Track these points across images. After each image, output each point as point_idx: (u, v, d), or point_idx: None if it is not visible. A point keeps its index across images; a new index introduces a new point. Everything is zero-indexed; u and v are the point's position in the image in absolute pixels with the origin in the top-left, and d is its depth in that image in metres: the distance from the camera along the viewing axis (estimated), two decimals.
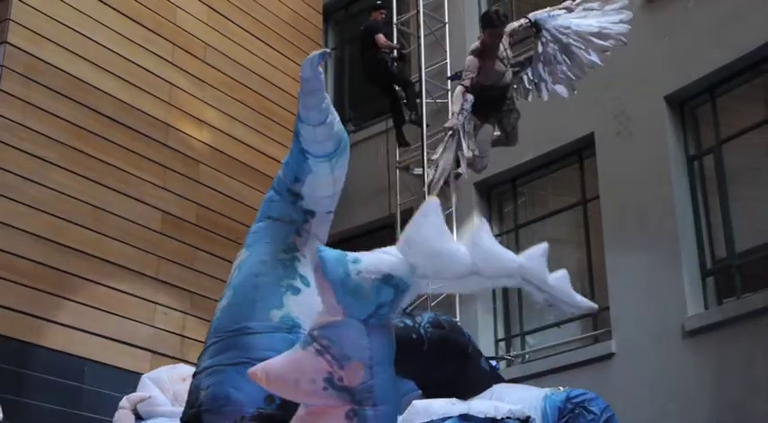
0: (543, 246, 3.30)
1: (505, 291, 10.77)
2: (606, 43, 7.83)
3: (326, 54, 3.77)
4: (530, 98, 8.06)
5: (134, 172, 8.99)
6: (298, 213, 3.84)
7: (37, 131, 8.32)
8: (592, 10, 7.82)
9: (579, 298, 3.20)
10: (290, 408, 3.19)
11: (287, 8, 11.35)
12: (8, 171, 8.01)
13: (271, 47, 10.92)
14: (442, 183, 7.85)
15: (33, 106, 8.35)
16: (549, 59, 7.71)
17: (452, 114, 7.76)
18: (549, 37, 7.64)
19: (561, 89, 7.85)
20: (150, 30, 9.57)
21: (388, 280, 2.98)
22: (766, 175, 9.15)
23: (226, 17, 10.48)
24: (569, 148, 10.41)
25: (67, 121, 8.58)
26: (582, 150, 10.33)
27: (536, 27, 7.66)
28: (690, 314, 8.75)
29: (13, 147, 8.11)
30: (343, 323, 2.99)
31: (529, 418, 3.97)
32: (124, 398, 5.08)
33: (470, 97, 7.56)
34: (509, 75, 7.72)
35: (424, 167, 10.78)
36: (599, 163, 9.96)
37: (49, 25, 8.65)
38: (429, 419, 3.97)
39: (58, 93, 8.57)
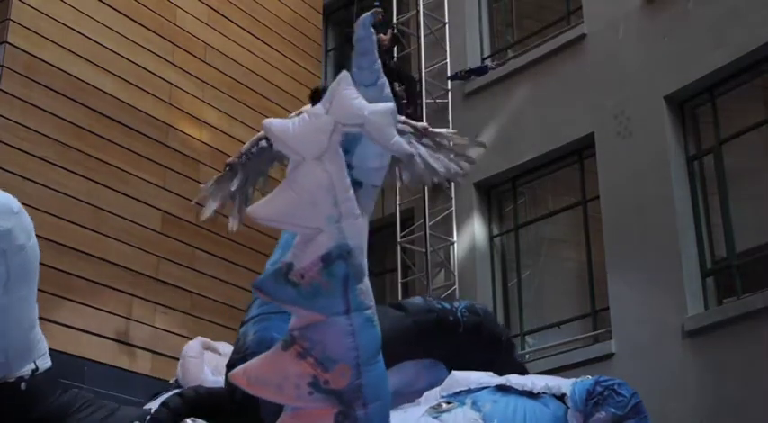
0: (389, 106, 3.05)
1: (505, 291, 10.78)
2: (427, 178, 7.73)
3: (379, 13, 3.85)
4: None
5: (134, 172, 8.98)
6: None
7: (37, 131, 8.32)
8: (442, 147, 7.79)
9: (396, 141, 3.00)
10: None
11: (287, 8, 11.35)
12: (8, 171, 8.01)
13: (271, 47, 10.92)
14: (208, 213, 8.25)
15: (33, 106, 8.35)
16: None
17: (238, 152, 8.11)
18: None
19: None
20: (150, 30, 9.57)
21: (329, 259, 2.89)
22: (766, 175, 9.15)
23: (226, 17, 10.48)
24: (569, 148, 10.41)
25: (67, 121, 8.58)
26: (582, 150, 10.33)
27: None
28: (690, 314, 8.76)
29: (13, 147, 8.11)
30: (325, 323, 2.90)
31: (564, 395, 3.96)
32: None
33: (264, 144, 8.03)
34: None
35: None
36: (599, 163, 9.97)
37: (49, 25, 8.64)
38: (467, 387, 3.97)
39: (58, 93, 8.57)
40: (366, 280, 3.02)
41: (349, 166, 3.93)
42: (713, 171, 9.26)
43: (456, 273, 10.82)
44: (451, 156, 7.83)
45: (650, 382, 8.66)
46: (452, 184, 11.12)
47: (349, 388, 2.90)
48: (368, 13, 3.84)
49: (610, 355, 9.15)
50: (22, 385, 4.23)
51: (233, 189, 8.35)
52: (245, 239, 9.70)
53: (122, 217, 8.75)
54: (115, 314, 8.46)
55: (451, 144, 7.96)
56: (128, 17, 9.38)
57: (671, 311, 8.84)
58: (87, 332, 8.20)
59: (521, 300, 10.61)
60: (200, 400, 3.94)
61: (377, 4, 11.46)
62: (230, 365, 3.76)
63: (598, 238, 9.87)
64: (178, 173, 9.39)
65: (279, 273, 2.90)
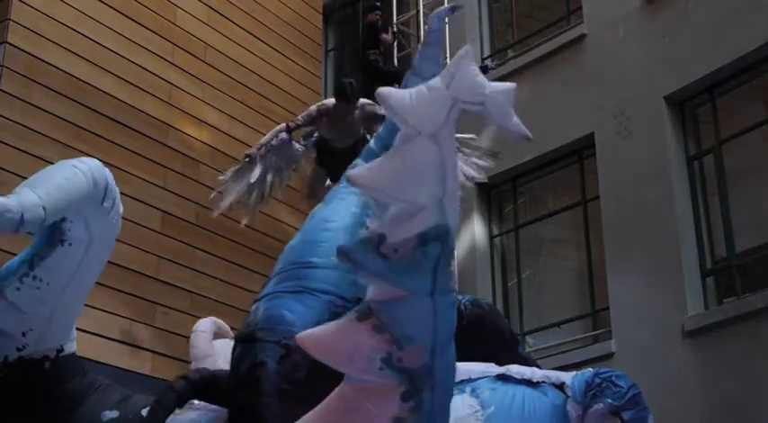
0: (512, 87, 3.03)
1: (505, 291, 10.78)
2: None
3: (458, 8, 3.96)
4: None
5: (134, 172, 8.97)
6: None
7: (37, 131, 8.31)
8: (462, 152, 8.04)
9: (515, 122, 2.94)
10: None
11: (287, 8, 11.34)
12: (8, 171, 8.00)
13: (271, 47, 10.91)
14: (227, 206, 8.44)
15: (33, 106, 8.34)
16: None
17: (258, 144, 8.46)
18: None
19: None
20: (150, 30, 9.56)
21: (425, 239, 2.82)
22: (766, 175, 9.16)
23: (226, 17, 10.47)
24: (569, 148, 10.42)
25: (67, 121, 8.57)
26: (582, 150, 10.34)
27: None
28: (690, 314, 8.76)
29: (13, 147, 8.10)
30: (408, 302, 2.84)
31: (564, 384, 4.00)
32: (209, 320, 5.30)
33: (284, 136, 8.29)
34: (352, 141, 8.18)
35: None
36: (599, 163, 9.97)
37: (49, 25, 8.64)
38: (468, 377, 3.99)
39: (58, 93, 8.56)
40: (454, 263, 2.98)
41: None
42: (713, 171, 9.26)
43: (456, 273, 10.82)
44: (469, 159, 8.03)
45: (650, 382, 8.65)
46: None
47: (422, 369, 2.84)
48: (447, 7, 3.89)
49: (610, 355, 9.16)
50: (46, 364, 4.28)
51: (251, 181, 8.41)
52: (245, 239, 9.69)
53: (122, 217, 8.74)
54: (115, 314, 8.45)
55: (468, 149, 8.15)
56: (128, 17, 9.37)
57: (671, 311, 8.84)
58: (87, 332, 8.18)
59: (521, 300, 10.61)
60: (204, 382, 3.97)
61: (377, 4, 11.47)
62: (238, 339, 3.82)
63: (598, 238, 9.87)
64: (178, 173, 9.38)
65: (369, 243, 2.82)
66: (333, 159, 8.28)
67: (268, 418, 3.47)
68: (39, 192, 3.96)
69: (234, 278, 9.50)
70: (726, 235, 8.98)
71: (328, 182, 8.41)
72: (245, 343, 3.70)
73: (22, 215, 3.86)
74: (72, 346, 4.46)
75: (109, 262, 8.87)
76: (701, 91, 9.43)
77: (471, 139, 8.15)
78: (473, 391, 3.92)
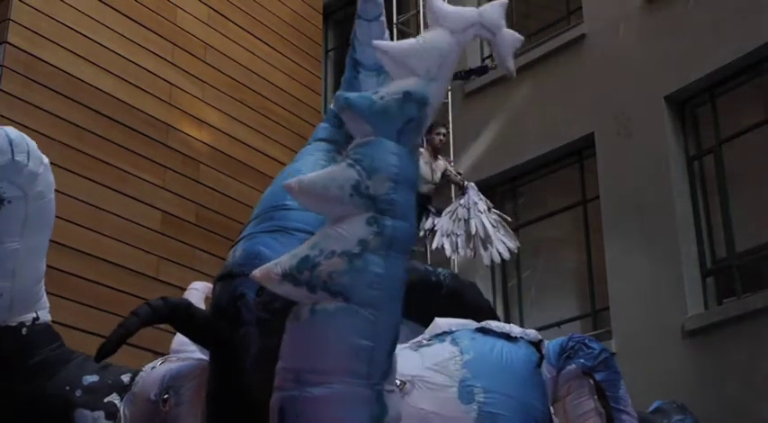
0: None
1: (505, 290, 10.78)
2: (479, 251, 8.61)
3: None
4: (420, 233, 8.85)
5: (134, 172, 8.97)
6: (341, 136, 4.29)
7: (37, 131, 8.29)
8: (498, 228, 8.47)
9: (510, 61, 3.60)
10: None
11: (287, 8, 11.34)
12: None
13: (271, 47, 10.91)
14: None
15: (33, 106, 8.34)
16: (455, 219, 8.62)
17: None
18: (466, 203, 8.53)
19: (447, 246, 8.66)
20: (150, 30, 9.56)
21: (408, 97, 3.32)
22: (766, 175, 9.16)
23: (226, 17, 10.47)
24: (569, 148, 10.42)
25: (67, 121, 8.57)
26: (582, 150, 10.34)
27: (464, 190, 8.75)
28: (690, 314, 8.77)
29: None
30: (376, 141, 3.31)
31: (541, 341, 4.13)
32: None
33: None
34: (427, 189, 8.72)
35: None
36: (599, 163, 9.98)
37: (49, 25, 8.64)
38: (449, 329, 4.14)
39: (58, 93, 8.56)
40: (419, 141, 3.48)
41: None
42: (713, 171, 9.27)
43: (456, 272, 10.83)
44: (499, 235, 8.40)
45: (650, 383, 8.67)
46: (452, 184, 11.15)
47: (384, 197, 3.27)
48: None
49: None
50: (24, 331, 4.48)
51: None
52: None
53: (122, 217, 8.74)
54: (115, 314, 8.43)
55: (503, 229, 8.56)
56: (128, 17, 9.37)
57: (671, 311, 8.84)
58: (87, 332, 8.19)
59: (521, 300, 10.61)
60: (182, 307, 4.05)
61: None
62: (217, 279, 3.97)
63: (598, 238, 9.87)
64: (178, 173, 9.38)
65: (366, 92, 3.42)
66: None
67: (248, 347, 3.67)
68: None
69: None
70: (726, 235, 8.98)
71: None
72: (225, 280, 3.89)
73: None
74: (46, 316, 4.65)
75: (109, 262, 8.92)
76: (701, 91, 9.44)
77: (507, 220, 8.59)
78: (453, 340, 4.07)
